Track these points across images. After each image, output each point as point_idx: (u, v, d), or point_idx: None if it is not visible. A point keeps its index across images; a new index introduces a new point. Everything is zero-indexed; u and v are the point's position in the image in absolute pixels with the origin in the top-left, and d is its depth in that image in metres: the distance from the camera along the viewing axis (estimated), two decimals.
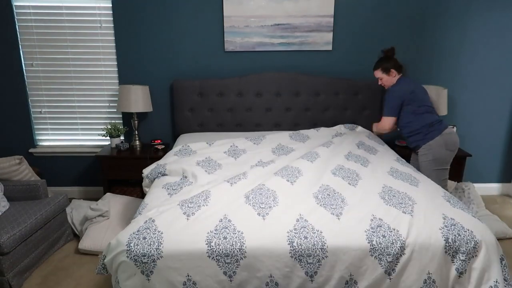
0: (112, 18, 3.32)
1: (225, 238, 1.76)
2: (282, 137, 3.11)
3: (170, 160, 2.66)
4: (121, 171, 3.29)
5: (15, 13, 3.28)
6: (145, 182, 2.60)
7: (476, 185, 3.66)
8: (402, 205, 1.96)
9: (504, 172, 3.80)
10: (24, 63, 3.40)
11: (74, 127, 3.60)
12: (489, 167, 3.78)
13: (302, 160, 2.50)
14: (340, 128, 3.32)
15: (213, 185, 2.23)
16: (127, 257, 1.70)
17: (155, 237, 1.75)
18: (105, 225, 2.87)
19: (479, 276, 1.78)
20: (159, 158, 3.09)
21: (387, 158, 2.70)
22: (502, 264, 1.83)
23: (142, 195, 3.43)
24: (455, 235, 1.78)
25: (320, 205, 1.98)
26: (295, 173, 2.31)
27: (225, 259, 1.71)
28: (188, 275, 1.70)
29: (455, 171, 3.36)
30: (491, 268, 1.80)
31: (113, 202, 3.04)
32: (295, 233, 1.79)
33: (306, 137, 3.13)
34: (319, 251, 1.73)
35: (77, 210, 3.17)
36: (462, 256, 1.77)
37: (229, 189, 2.12)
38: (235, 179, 2.24)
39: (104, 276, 2.47)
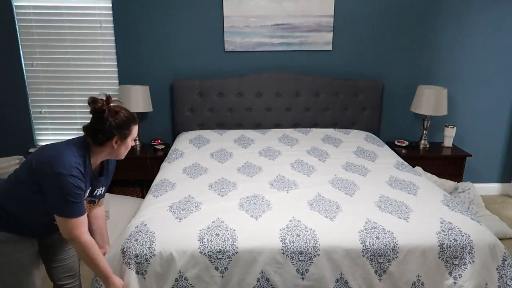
0: (112, 18, 3.31)
1: (217, 235, 1.78)
2: (270, 140, 3.12)
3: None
4: (121, 171, 3.26)
5: (15, 13, 3.27)
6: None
7: (476, 185, 3.65)
8: (398, 212, 1.97)
9: (504, 172, 3.80)
10: (24, 63, 3.40)
11: (74, 127, 3.59)
12: (489, 167, 3.78)
13: (298, 173, 2.49)
14: (332, 131, 3.32)
15: (202, 195, 2.20)
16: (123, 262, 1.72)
17: (147, 237, 1.77)
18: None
19: (475, 281, 1.77)
20: (159, 158, 3.09)
21: (387, 164, 2.68)
22: (505, 265, 1.82)
23: (142, 195, 3.43)
24: (451, 240, 1.78)
25: (314, 210, 1.99)
26: (291, 185, 2.31)
27: (217, 255, 1.72)
28: (180, 272, 1.72)
29: (455, 171, 3.36)
30: (487, 273, 1.79)
31: (112, 202, 3.04)
32: (287, 230, 1.81)
33: (295, 141, 3.13)
34: (311, 248, 1.74)
35: None
36: (455, 260, 1.77)
37: (221, 201, 2.12)
38: (226, 190, 2.23)
39: None
